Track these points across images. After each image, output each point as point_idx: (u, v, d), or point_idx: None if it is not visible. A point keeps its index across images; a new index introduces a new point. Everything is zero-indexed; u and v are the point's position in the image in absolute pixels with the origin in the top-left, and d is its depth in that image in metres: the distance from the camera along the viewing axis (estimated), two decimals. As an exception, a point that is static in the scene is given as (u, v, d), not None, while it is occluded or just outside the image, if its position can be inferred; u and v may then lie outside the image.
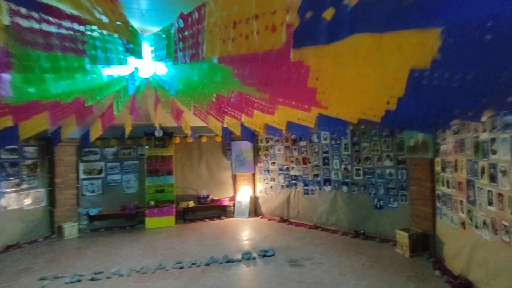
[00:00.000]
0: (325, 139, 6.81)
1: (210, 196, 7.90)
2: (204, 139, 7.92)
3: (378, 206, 5.88)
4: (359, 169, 6.24)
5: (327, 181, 6.75)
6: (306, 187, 7.11)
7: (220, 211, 7.98)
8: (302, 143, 7.18)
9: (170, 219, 7.33)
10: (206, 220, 7.75)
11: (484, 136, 3.19)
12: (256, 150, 8.17)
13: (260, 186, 8.10)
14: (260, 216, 7.89)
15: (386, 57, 2.27)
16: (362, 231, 5.93)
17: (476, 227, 3.43)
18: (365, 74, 2.62)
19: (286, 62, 2.32)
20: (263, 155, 8.06)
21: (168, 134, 7.58)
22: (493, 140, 3.03)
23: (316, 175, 6.95)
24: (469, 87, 1.81)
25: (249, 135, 7.35)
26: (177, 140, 7.71)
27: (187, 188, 8.00)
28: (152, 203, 7.41)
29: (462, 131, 3.77)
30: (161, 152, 7.60)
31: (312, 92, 3.15)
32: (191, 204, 7.68)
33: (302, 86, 2.97)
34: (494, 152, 3.02)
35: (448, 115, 3.50)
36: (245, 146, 8.05)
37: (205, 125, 6.55)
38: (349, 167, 6.38)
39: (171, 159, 7.64)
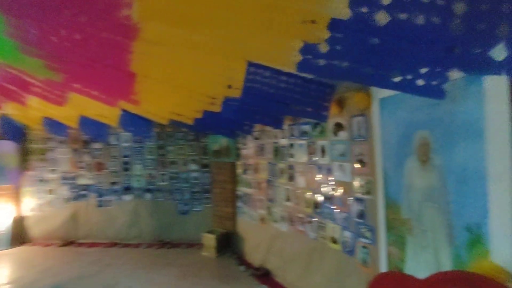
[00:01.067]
0: (126, 142, 5.97)
1: None
2: None
3: (183, 211, 5.75)
4: (164, 174, 5.88)
5: (127, 189, 5.92)
6: (100, 198, 5.92)
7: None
8: (97, 146, 5.96)
9: None
10: None
11: (283, 142, 3.70)
12: (24, 154, 6.01)
13: (30, 203, 6.01)
14: (31, 244, 5.82)
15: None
16: (167, 240, 5.58)
17: (275, 221, 3.93)
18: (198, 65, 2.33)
19: (114, 19, 1.60)
20: (37, 161, 6.06)
21: None
22: (291, 145, 3.56)
23: (114, 183, 5.95)
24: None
25: (14, 131, 5.32)
26: None
27: None
28: None
29: (262, 137, 4.25)
30: None
31: (129, 79, 2.51)
32: None
33: (120, 68, 2.28)
34: (292, 156, 3.55)
35: (257, 121, 3.85)
36: (5, 147, 5.75)
37: None
38: (153, 172, 5.89)
39: None
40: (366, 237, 2.52)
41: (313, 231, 3.19)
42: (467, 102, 1.61)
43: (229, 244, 5.11)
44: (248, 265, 4.39)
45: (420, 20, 1.26)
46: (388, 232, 2.28)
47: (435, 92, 1.69)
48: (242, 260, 4.62)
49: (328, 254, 2.96)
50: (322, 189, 3.04)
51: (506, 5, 1.09)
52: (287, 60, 1.72)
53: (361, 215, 2.56)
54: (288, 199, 3.64)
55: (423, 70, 1.67)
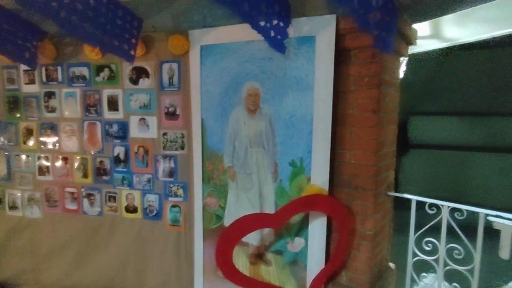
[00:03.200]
0: None
1: None
2: None
3: None
4: None
5: None
6: None
7: None
8: None
9: None
10: None
11: (32, 88, 2.51)
12: None
13: None
14: None
15: None
16: None
17: (13, 208, 2.64)
18: None
19: None
20: None
21: None
22: (49, 94, 2.48)
23: None
24: None
25: None
26: None
27: None
28: None
29: None
30: None
31: None
32: None
33: None
34: (52, 110, 2.49)
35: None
36: None
37: None
38: None
39: None
40: (177, 196, 2.35)
41: (94, 205, 2.49)
42: (300, 59, 1.92)
43: None
44: None
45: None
46: (205, 184, 2.27)
47: (280, 46, 1.87)
48: None
49: (122, 227, 2.46)
50: (108, 151, 2.42)
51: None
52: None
53: (171, 173, 2.35)
54: (43, 172, 2.56)
55: (275, 22, 1.79)
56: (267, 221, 1.90)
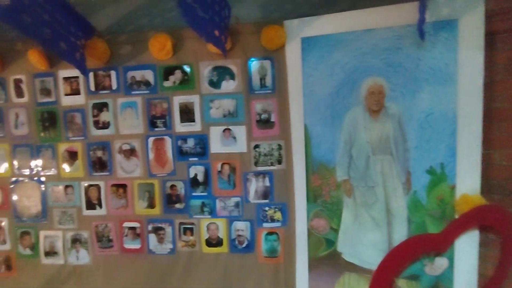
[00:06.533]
0: None
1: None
2: None
3: None
4: None
5: None
6: None
7: None
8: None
9: None
10: None
11: (77, 100, 1.99)
12: None
13: None
14: None
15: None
16: None
17: (51, 255, 2.05)
18: None
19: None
20: None
21: None
22: (100, 106, 1.98)
23: None
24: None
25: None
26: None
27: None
28: None
29: None
30: None
31: None
32: None
33: None
34: (104, 125, 1.98)
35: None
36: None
37: None
38: None
39: None
40: (273, 220, 1.94)
41: (165, 242, 1.99)
42: (437, 47, 1.64)
43: None
44: None
45: None
46: (310, 203, 1.89)
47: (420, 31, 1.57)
48: None
49: (203, 265, 1.98)
50: (182, 172, 1.96)
51: None
52: None
53: (265, 193, 1.93)
54: (92, 205, 2.01)
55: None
56: (433, 243, 1.56)
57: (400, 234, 1.74)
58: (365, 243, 1.83)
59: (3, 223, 2.06)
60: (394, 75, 1.70)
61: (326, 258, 1.89)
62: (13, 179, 2.04)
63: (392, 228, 1.77)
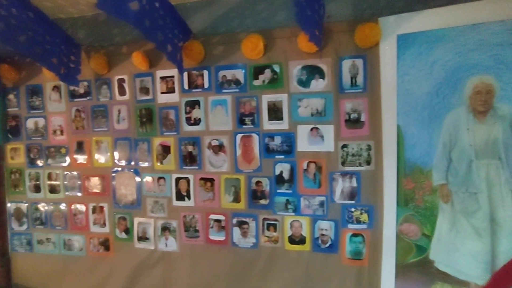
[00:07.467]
0: None
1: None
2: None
3: None
4: None
5: None
6: None
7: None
8: None
9: None
10: None
11: (171, 98, 2.14)
12: None
13: None
14: None
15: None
16: None
17: (143, 239, 2.23)
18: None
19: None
20: None
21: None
22: (192, 104, 2.10)
23: None
24: None
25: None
26: None
27: None
28: None
29: (96, 91, 2.29)
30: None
31: None
32: None
33: None
34: (195, 122, 2.10)
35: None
36: None
37: None
38: None
39: None
40: (359, 222, 1.90)
41: (248, 236, 2.05)
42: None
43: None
44: None
45: None
46: (400, 207, 1.81)
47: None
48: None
49: (284, 262, 2.01)
50: (268, 169, 2.00)
51: None
52: None
53: (352, 194, 1.90)
54: (182, 197, 2.15)
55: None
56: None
57: (508, 246, 1.60)
58: (462, 252, 1.71)
59: (104, 208, 2.28)
60: (506, 73, 1.57)
61: (416, 265, 1.80)
62: (114, 169, 2.25)
63: (498, 239, 1.63)
